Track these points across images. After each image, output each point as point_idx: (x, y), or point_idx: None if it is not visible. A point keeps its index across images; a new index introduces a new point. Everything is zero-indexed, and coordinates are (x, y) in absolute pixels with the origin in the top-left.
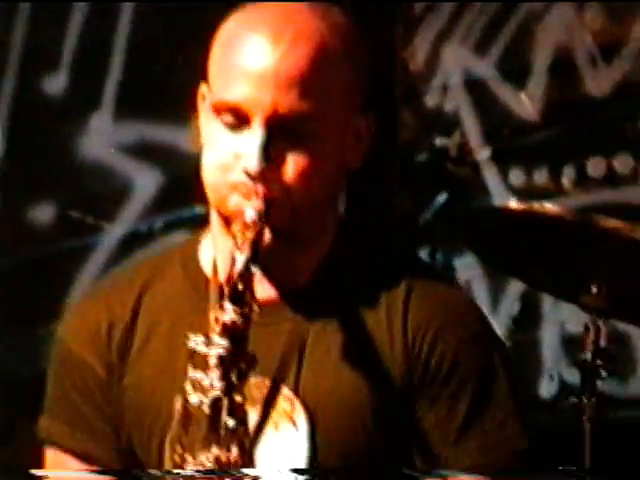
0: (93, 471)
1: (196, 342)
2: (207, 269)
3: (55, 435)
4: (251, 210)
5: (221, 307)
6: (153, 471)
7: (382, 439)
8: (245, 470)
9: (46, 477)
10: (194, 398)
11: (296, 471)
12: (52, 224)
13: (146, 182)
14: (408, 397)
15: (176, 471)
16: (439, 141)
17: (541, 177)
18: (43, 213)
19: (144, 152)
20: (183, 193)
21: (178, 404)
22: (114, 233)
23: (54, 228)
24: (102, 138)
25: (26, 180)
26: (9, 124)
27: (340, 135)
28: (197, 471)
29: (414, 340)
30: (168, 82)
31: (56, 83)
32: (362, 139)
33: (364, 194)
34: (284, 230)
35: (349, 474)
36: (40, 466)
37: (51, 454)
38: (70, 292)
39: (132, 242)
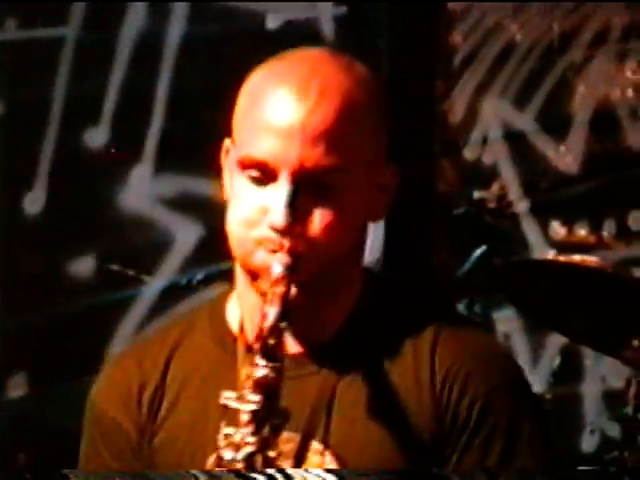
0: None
1: (228, 398)
2: (234, 326)
3: None
4: (278, 265)
5: (252, 363)
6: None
7: None
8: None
9: None
10: (228, 455)
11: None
12: (92, 277)
13: (187, 235)
14: (438, 447)
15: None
16: (478, 193)
17: (581, 230)
18: (83, 266)
19: (185, 205)
20: (224, 246)
21: (211, 461)
22: (154, 286)
23: (94, 281)
24: (143, 191)
25: (67, 233)
26: (50, 177)
27: (365, 188)
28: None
29: (442, 388)
30: (209, 134)
31: (97, 136)
32: (387, 191)
33: (404, 246)
34: (310, 284)
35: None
36: None
37: None
38: (110, 345)
39: (172, 295)
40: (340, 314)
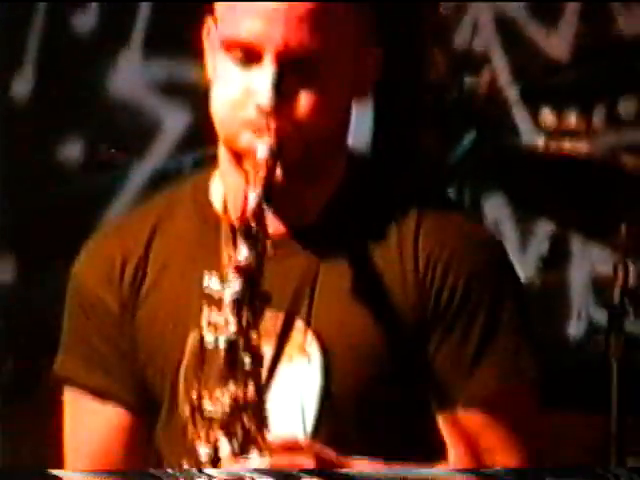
0: (110, 472)
1: (210, 281)
2: (218, 206)
3: (71, 372)
4: (264, 147)
5: (234, 246)
6: (171, 471)
7: (396, 373)
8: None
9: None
10: (210, 337)
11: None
12: (81, 162)
13: (175, 120)
14: (421, 331)
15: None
16: (469, 80)
17: (571, 116)
18: (72, 150)
19: (173, 90)
20: (213, 131)
21: (194, 341)
22: (143, 170)
23: (83, 166)
24: (132, 76)
25: (55, 117)
26: (39, 62)
27: (349, 69)
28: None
29: (425, 273)
30: (199, 20)
31: (86, 21)
32: (370, 71)
33: (393, 132)
34: (295, 166)
35: None
36: (61, 407)
37: (69, 393)
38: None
39: (160, 179)
40: (323, 197)
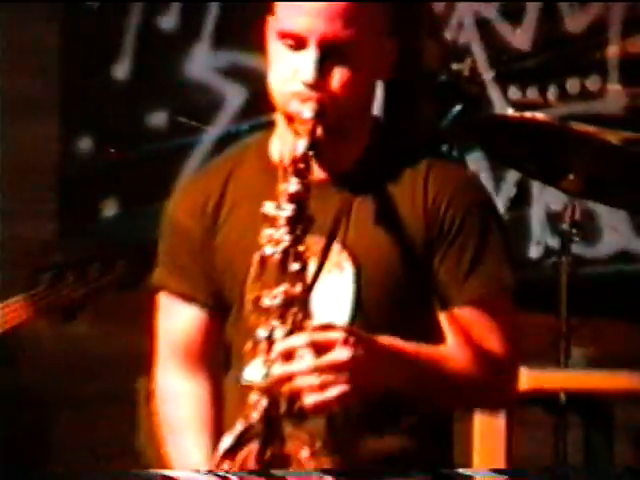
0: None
1: (269, 207)
2: (275, 157)
3: (164, 281)
4: (308, 110)
5: (287, 181)
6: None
7: (410, 282)
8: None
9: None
10: (269, 249)
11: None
12: (165, 127)
13: (236, 96)
14: (428, 249)
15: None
16: (455, 66)
17: (532, 93)
18: (159, 118)
19: (235, 74)
20: (264, 104)
21: (257, 257)
22: (211, 134)
23: (167, 130)
24: (202, 62)
25: (147, 94)
26: (133, 52)
27: (373, 54)
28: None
29: (432, 204)
30: (258, 18)
31: (169, 19)
32: (389, 56)
33: (399, 105)
34: (332, 127)
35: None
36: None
37: (163, 298)
38: (179, 177)
39: (225, 141)
40: (355, 152)
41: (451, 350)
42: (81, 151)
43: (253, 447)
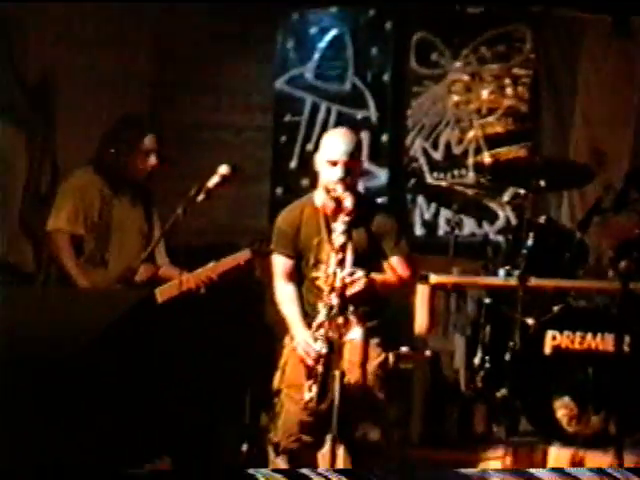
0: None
1: (334, 225)
2: (318, 205)
3: (275, 249)
4: (348, 200)
5: (333, 220)
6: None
7: (375, 252)
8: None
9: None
10: (332, 241)
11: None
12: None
13: None
14: (381, 240)
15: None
16: None
17: None
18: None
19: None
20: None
21: (323, 244)
22: None
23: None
24: None
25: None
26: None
27: (361, 166)
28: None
29: (383, 230)
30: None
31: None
32: (361, 169)
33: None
34: (351, 189)
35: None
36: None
37: (275, 255)
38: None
39: None
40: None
41: (388, 276)
42: None
43: (335, 319)
